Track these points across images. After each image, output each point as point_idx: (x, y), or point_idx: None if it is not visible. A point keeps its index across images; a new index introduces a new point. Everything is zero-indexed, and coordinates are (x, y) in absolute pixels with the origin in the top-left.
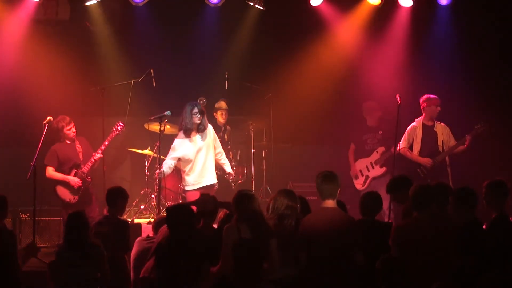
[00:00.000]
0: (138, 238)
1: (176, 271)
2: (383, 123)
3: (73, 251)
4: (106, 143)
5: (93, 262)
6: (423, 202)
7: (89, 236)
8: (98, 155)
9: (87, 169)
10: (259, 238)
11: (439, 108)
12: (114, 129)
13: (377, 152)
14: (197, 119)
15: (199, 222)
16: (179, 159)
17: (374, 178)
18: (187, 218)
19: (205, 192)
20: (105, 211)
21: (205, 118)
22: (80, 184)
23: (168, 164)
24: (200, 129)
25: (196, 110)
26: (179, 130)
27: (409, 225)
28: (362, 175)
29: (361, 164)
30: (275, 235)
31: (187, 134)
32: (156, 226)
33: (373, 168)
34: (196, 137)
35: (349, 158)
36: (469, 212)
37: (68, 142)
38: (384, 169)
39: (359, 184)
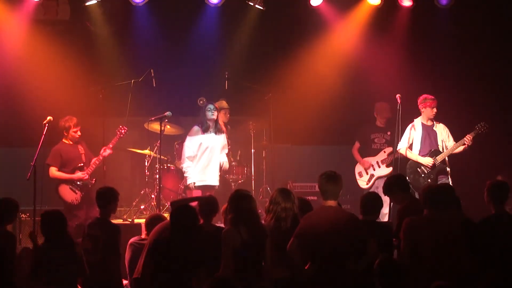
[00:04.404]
0: (131, 240)
1: (173, 273)
2: (391, 124)
3: (55, 248)
4: (111, 146)
5: (74, 260)
6: (435, 201)
7: (67, 233)
8: (108, 151)
9: (90, 171)
10: (257, 238)
11: (435, 109)
12: (118, 133)
13: (384, 152)
14: (210, 116)
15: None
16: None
17: (379, 178)
18: (192, 220)
19: (205, 192)
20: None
21: (221, 120)
22: (86, 176)
23: (189, 168)
24: (217, 129)
25: (209, 107)
26: (194, 126)
27: (420, 221)
28: (367, 174)
29: (366, 162)
30: (270, 235)
31: (203, 130)
32: (148, 225)
33: (379, 167)
34: (208, 136)
35: (355, 156)
36: (459, 212)
37: (71, 142)
38: (390, 169)
39: (363, 182)
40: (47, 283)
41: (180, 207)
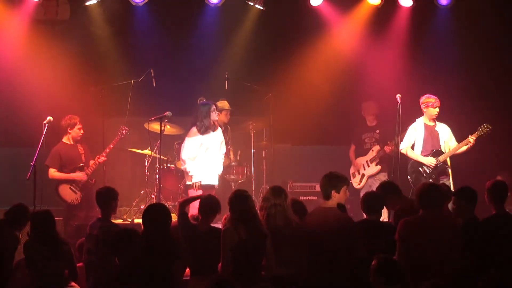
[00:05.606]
0: None
1: (146, 269)
2: (381, 122)
3: (42, 245)
4: (111, 146)
5: (62, 258)
6: (430, 200)
7: (56, 233)
8: (102, 158)
9: (90, 171)
10: (255, 238)
11: (437, 110)
12: (119, 133)
13: (372, 150)
14: (215, 117)
15: (197, 218)
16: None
17: (370, 177)
18: (161, 217)
19: (205, 191)
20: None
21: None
22: (85, 178)
23: (193, 167)
24: (213, 128)
25: (214, 108)
26: (192, 127)
27: (415, 221)
28: (359, 174)
29: (358, 163)
30: (269, 234)
31: (202, 132)
32: None
33: (368, 166)
34: (208, 136)
35: (351, 158)
36: (470, 209)
37: (71, 143)
38: (379, 167)
39: (355, 182)
40: (36, 278)
41: (150, 205)
